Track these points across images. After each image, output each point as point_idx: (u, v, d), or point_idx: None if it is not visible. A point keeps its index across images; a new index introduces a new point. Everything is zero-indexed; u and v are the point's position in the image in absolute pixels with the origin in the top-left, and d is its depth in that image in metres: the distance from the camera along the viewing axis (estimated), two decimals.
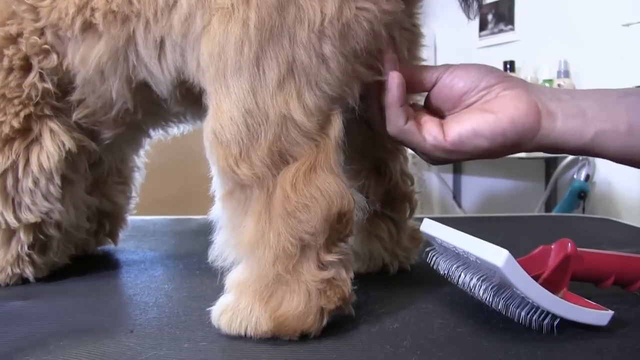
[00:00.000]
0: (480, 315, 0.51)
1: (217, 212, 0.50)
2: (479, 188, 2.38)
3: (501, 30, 2.50)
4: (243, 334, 0.47)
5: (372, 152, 0.63)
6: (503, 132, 0.50)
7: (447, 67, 0.54)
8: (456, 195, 2.50)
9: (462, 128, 0.51)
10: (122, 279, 0.70)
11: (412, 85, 0.53)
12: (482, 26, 2.63)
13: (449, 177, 2.53)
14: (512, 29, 2.40)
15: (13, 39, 0.61)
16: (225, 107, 0.47)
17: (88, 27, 0.57)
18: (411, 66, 0.56)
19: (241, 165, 0.46)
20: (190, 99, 0.57)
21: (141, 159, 0.84)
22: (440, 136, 0.51)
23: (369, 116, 0.57)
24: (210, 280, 0.51)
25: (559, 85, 1.85)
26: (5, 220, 0.64)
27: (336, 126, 0.47)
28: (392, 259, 0.65)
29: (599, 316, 0.46)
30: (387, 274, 0.66)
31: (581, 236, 0.93)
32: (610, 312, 0.46)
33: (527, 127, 0.49)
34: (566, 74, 1.88)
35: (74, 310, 0.57)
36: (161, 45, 0.54)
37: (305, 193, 0.45)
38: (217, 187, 0.50)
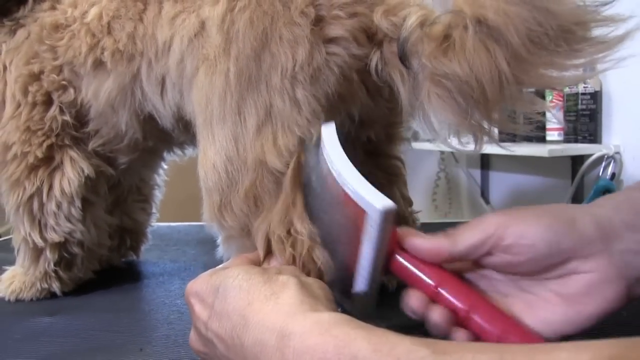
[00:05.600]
0: None
1: (222, 252, 0.54)
2: (506, 184, 2.37)
3: None
4: None
5: (370, 175, 0.66)
6: (591, 324, 0.41)
7: (486, 233, 0.42)
8: (484, 191, 2.49)
9: (540, 323, 0.41)
10: (141, 293, 0.75)
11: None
12: None
13: (476, 173, 2.52)
14: None
15: (36, 77, 0.66)
16: (210, 154, 0.50)
17: (99, 64, 0.62)
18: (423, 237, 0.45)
19: (226, 216, 0.50)
20: (192, 131, 0.61)
21: (162, 177, 0.88)
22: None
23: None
24: None
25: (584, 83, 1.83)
26: (33, 240, 0.69)
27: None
28: (390, 278, 0.68)
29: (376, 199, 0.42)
30: (386, 291, 0.69)
31: None
32: (385, 205, 0.41)
33: (618, 309, 0.41)
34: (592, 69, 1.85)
35: (93, 327, 0.62)
36: (162, 82, 0.58)
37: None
38: (216, 230, 0.54)
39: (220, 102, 0.49)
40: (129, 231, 0.85)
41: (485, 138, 0.45)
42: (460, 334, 0.42)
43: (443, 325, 0.42)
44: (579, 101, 1.86)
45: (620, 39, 0.41)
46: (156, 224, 0.92)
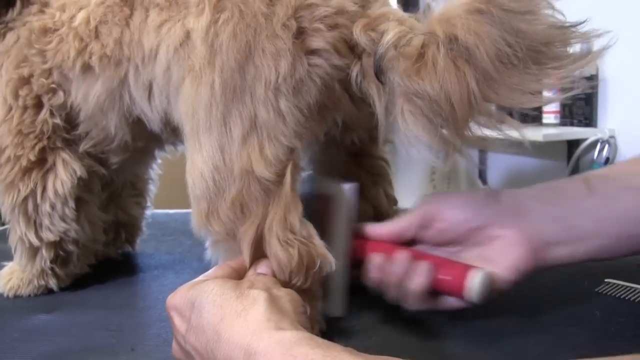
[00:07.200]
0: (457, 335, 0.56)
1: (210, 255, 0.56)
2: (504, 165, 2.38)
3: None
4: None
5: (355, 175, 0.67)
6: (506, 282, 0.51)
7: (422, 211, 0.56)
8: (482, 172, 2.51)
9: None
10: (136, 288, 0.77)
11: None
12: None
13: (475, 154, 2.53)
14: None
15: (26, 80, 0.67)
16: (197, 163, 0.52)
17: (87, 68, 0.63)
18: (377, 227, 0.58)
19: (212, 222, 0.51)
20: (180, 135, 0.62)
21: (155, 171, 0.90)
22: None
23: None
24: None
25: None
26: (29, 240, 0.71)
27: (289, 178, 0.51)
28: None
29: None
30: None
31: None
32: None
33: (527, 270, 0.51)
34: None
35: (88, 324, 0.64)
36: (150, 88, 0.59)
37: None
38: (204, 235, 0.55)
39: (206, 112, 0.50)
40: (124, 225, 0.87)
41: (457, 154, 0.47)
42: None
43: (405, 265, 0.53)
44: None
45: (592, 57, 0.41)
46: (154, 210, 0.93)
